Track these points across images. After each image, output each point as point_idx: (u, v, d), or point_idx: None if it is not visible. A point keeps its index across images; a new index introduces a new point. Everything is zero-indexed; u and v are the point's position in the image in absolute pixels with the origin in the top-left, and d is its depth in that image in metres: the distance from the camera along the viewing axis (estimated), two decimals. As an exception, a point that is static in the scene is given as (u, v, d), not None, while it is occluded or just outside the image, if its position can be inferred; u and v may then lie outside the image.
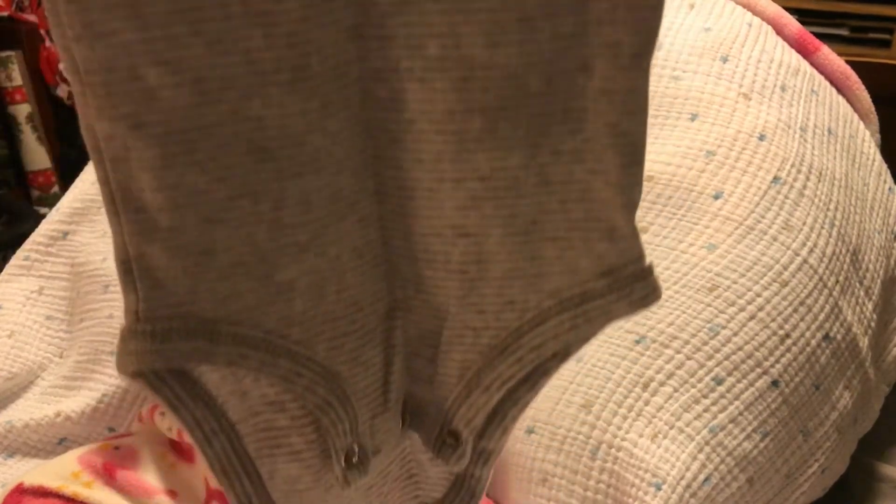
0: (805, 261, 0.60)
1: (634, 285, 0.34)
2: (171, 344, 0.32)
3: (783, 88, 0.68)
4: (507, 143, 0.32)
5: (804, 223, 0.62)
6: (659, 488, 0.52)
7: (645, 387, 0.56)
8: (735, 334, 0.57)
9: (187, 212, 0.31)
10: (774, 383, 0.57)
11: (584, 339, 0.35)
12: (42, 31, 1.79)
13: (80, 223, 0.71)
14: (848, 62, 0.75)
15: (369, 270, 0.36)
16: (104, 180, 0.30)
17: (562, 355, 0.35)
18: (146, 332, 0.32)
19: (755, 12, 0.73)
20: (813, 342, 0.59)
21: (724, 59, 0.68)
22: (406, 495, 0.43)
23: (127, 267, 0.31)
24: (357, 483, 0.38)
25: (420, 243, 0.35)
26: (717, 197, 0.62)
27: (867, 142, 0.74)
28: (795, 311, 0.59)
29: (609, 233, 0.33)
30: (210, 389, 0.35)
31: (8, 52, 1.77)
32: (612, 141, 0.32)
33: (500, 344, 0.36)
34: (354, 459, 0.37)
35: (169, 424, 0.55)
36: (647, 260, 0.34)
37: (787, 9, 0.75)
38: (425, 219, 0.34)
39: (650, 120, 0.67)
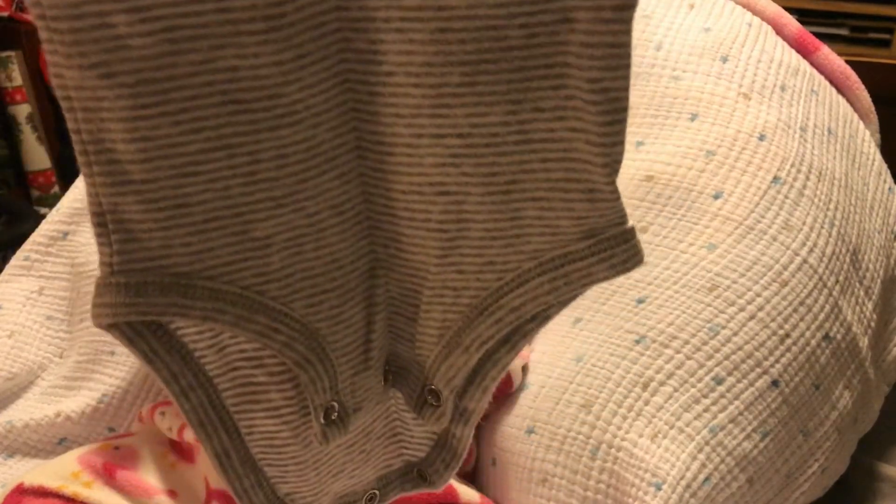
0: (805, 261, 0.60)
1: (616, 249, 0.34)
2: (145, 297, 0.32)
3: (783, 88, 0.68)
4: (486, 99, 0.32)
5: (804, 223, 0.62)
6: (659, 488, 0.52)
7: (645, 387, 0.56)
8: (735, 334, 0.57)
9: (160, 164, 0.31)
10: (774, 383, 0.57)
11: (565, 303, 0.35)
12: (42, 32, 1.79)
13: (80, 223, 0.71)
14: (848, 62, 0.75)
15: (350, 228, 0.36)
16: (76, 130, 0.30)
17: (542, 318, 0.36)
18: (120, 285, 0.32)
19: (755, 12, 0.73)
20: (813, 342, 0.59)
21: (724, 59, 0.68)
22: (390, 454, 0.43)
23: (101, 219, 0.32)
24: (336, 440, 0.38)
25: (400, 201, 0.35)
26: (717, 197, 0.62)
27: (867, 142, 0.74)
28: (795, 310, 0.59)
29: (589, 193, 0.33)
30: (187, 343, 0.35)
31: (8, 52, 1.76)
32: (593, 98, 0.31)
33: (480, 304, 0.36)
34: (334, 416, 0.37)
35: (169, 424, 0.55)
36: (630, 223, 0.34)
37: (787, 9, 0.75)
38: (405, 175, 0.34)
39: (650, 120, 0.67)
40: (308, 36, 0.31)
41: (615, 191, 0.33)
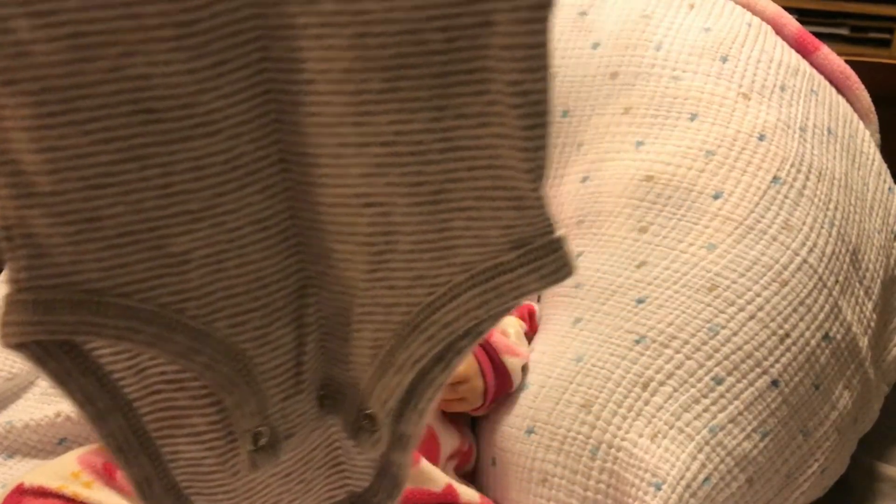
0: (805, 260, 0.60)
1: (545, 259, 0.33)
2: (54, 315, 0.31)
3: (783, 88, 0.68)
4: (409, 106, 0.31)
5: (804, 223, 0.62)
6: (659, 488, 0.52)
7: (645, 387, 0.56)
8: (735, 334, 0.57)
9: (69, 175, 0.30)
10: (774, 383, 0.57)
11: (497, 317, 0.34)
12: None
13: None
14: (848, 62, 0.75)
15: (275, 245, 0.34)
16: None
17: (474, 334, 0.34)
18: (28, 302, 0.31)
19: (755, 12, 0.73)
20: (813, 342, 0.59)
21: (724, 59, 0.68)
22: (332, 484, 0.41)
23: (8, 233, 0.30)
24: (266, 467, 0.36)
25: (327, 214, 0.34)
26: (716, 197, 0.62)
27: (867, 142, 0.74)
28: (795, 310, 0.59)
29: (516, 201, 0.32)
30: (104, 365, 0.33)
31: (8, 53, 1.76)
32: (514, 101, 0.30)
33: (412, 321, 0.34)
34: (262, 442, 0.35)
35: (169, 424, 0.55)
36: (558, 232, 0.33)
37: (787, 8, 0.75)
38: (331, 188, 0.33)
39: (650, 120, 0.67)
40: (225, 43, 0.30)
41: (541, 198, 0.32)
